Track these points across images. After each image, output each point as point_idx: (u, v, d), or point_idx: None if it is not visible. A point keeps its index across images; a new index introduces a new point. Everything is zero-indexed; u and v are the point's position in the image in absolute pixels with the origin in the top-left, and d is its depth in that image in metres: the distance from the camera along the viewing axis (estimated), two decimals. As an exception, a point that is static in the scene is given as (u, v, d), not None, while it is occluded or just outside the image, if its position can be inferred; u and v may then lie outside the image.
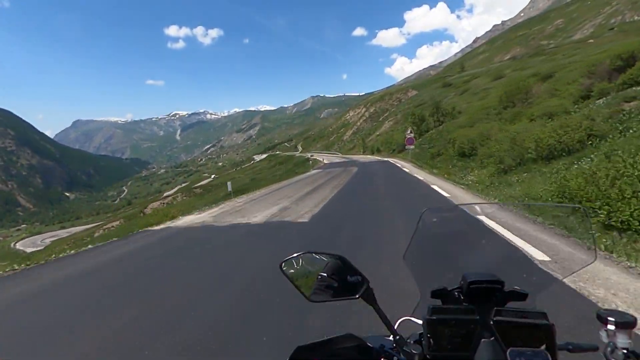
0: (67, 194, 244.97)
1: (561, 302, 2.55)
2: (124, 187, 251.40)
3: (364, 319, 2.62)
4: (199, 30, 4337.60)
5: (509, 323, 0.73)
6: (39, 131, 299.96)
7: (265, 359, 2.40)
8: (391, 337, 0.79)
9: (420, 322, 0.78)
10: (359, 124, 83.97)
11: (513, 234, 4.55)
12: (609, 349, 0.69)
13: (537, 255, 3.59)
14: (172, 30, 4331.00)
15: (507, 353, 0.65)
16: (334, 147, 78.47)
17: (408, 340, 0.78)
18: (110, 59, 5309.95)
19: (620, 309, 0.68)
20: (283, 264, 0.84)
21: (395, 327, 0.83)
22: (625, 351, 0.68)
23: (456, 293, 0.84)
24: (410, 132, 24.00)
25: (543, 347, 0.70)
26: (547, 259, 3.44)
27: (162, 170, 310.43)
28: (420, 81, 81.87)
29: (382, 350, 0.76)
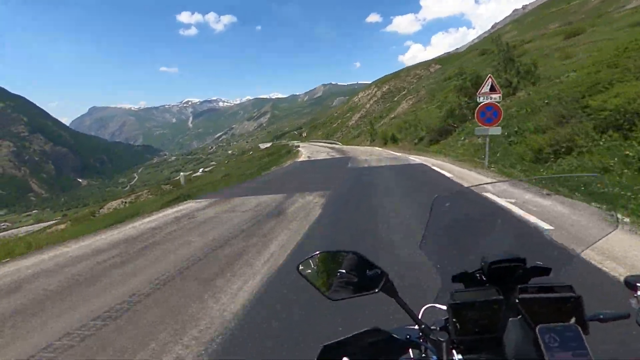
0: (80, 181, 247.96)
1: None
2: (134, 174, 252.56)
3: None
4: (211, 16, 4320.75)
5: (535, 299, 0.71)
6: (53, 117, 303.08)
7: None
8: (416, 327, 0.78)
9: (444, 308, 0.77)
10: (367, 106, 68.95)
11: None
12: (639, 314, 0.67)
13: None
14: (184, 17, 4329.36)
15: (537, 330, 0.63)
16: (335, 135, 65.60)
17: (433, 328, 0.78)
18: (125, 46, 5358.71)
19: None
20: (300, 266, 0.83)
21: (420, 315, 0.83)
22: None
23: (477, 275, 0.83)
24: (493, 87, 10.37)
25: (572, 320, 0.69)
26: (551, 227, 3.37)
27: (173, 158, 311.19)
28: (444, 56, 68.89)
29: (409, 341, 0.76)
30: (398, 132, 27.39)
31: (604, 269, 2.95)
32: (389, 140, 27.89)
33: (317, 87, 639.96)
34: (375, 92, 73.29)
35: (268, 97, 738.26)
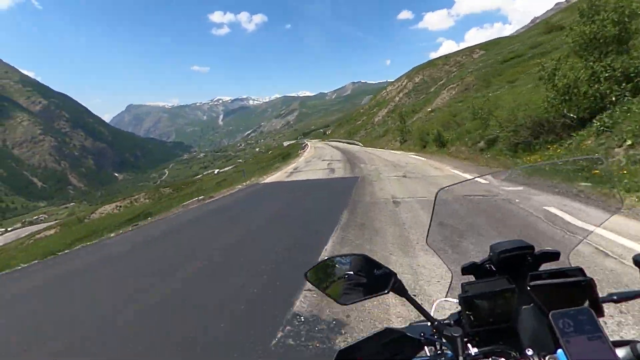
0: (117, 175, 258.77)
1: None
2: (165, 170, 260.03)
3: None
4: (243, 16, 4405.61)
5: (546, 286, 0.71)
6: (93, 114, 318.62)
7: None
8: (429, 324, 0.77)
9: (456, 301, 0.77)
10: (397, 99, 58.70)
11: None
12: None
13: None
14: (217, 17, 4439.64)
15: (550, 316, 0.63)
16: (358, 134, 57.72)
17: (448, 322, 0.78)
18: (160, 46, 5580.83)
19: None
20: (308, 273, 0.83)
21: (433, 310, 0.82)
22: None
23: (487, 266, 0.83)
24: None
25: (586, 303, 0.69)
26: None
27: (202, 155, 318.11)
28: (490, 41, 54.44)
29: (423, 338, 0.75)
30: (448, 130, 17.82)
31: None
32: (430, 142, 18.72)
33: (346, 85, 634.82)
34: (406, 83, 61.98)
35: (296, 95, 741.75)
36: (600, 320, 0.62)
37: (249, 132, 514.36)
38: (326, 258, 0.83)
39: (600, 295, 0.71)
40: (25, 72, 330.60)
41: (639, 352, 0.58)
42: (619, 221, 4.26)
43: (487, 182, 1.38)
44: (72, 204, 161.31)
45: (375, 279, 0.78)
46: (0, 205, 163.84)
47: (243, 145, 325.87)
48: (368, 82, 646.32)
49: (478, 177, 1.34)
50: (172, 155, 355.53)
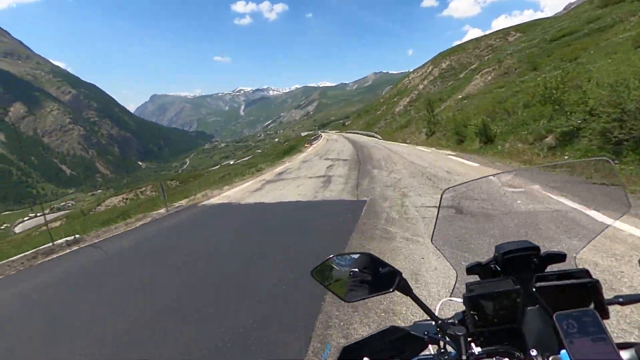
0: (140, 163, 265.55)
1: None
2: (187, 159, 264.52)
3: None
4: (265, 5, 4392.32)
5: (552, 287, 0.71)
6: (119, 104, 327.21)
7: None
8: (434, 323, 0.78)
9: (460, 300, 0.77)
10: (420, 87, 53.82)
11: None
12: None
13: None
14: (239, 7, 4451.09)
15: (554, 318, 0.63)
16: (378, 125, 53.85)
17: (452, 321, 0.78)
18: (183, 36, 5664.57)
19: None
20: (313, 272, 0.83)
21: (437, 309, 0.83)
22: None
23: (492, 266, 0.83)
24: None
25: (591, 305, 0.69)
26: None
27: (223, 145, 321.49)
28: (527, 23, 48.73)
29: (427, 337, 0.76)
30: (490, 120, 13.34)
31: None
32: (470, 136, 14.40)
33: (367, 76, 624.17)
34: (431, 70, 56.34)
35: (317, 85, 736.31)
36: (606, 322, 0.62)
37: (268, 122, 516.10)
38: (331, 256, 0.84)
39: (606, 297, 0.71)
40: (56, 63, 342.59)
41: None
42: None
43: (492, 182, 1.38)
44: (99, 190, 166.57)
45: (380, 277, 0.79)
46: (31, 192, 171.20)
47: (262, 135, 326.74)
48: (390, 72, 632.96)
49: (483, 177, 1.30)
50: (194, 145, 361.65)
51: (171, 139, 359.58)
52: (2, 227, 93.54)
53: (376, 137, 36.39)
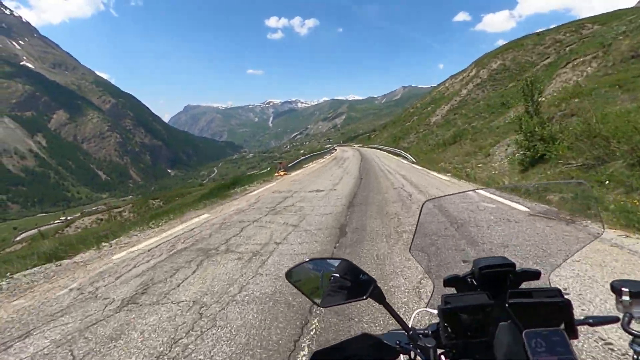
0: (169, 171, 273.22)
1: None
2: (214, 168, 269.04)
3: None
4: (296, 20, 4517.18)
5: (524, 304, 0.72)
6: (153, 113, 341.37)
7: None
8: (406, 333, 0.78)
9: (436, 312, 0.78)
10: (464, 92, 43.63)
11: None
12: (626, 319, 0.68)
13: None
14: (272, 22, 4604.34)
15: (523, 335, 0.64)
16: (407, 139, 44.22)
17: (425, 332, 0.78)
18: (219, 50, 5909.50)
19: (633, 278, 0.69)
20: (289, 273, 0.83)
21: (412, 319, 0.84)
22: None
23: (469, 279, 0.84)
24: None
25: (562, 324, 0.70)
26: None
27: (251, 155, 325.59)
28: (602, 14, 37.12)
29: (399, 346, 0.76)
30: None
31: None
32: None
33: (396, 90, 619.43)
34: (476, 72, 46.38)
35: (345, 98, 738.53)
36: (574, 342, 0.63)
37: (295, 134, 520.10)
38: (307, 259, 0.83)
39: (576, 317, 0.72)
40: (100, 74, 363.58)
41: None
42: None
43: (472, 197, 1.42)
44: (130, 196, 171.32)
45: (355, 284, 0.79)
46: (66, 195, 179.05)
47: (288, 147, 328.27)
48: (419, 86, 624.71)
49: (462, 192, 1.37)
50: (223, 154, 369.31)
51: (200, 148, 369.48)
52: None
53: (407, 158, 23.69)
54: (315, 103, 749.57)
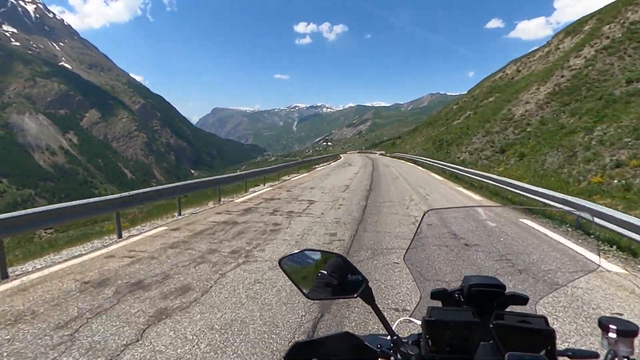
0: (192, 172, 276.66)
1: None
2: (237, 170, 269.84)
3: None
4: (325, 26, 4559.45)
5: (509, 327, 0.72)
6: (180, 114, 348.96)
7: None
8: (389, 337, 0.77)
9: (419, 322, 0.78)
10: (578, 62, 24.69)
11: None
12: (609, 356, 0.68)
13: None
14: (301, 27, 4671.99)
15: (506, 357, 0.63)
16: (461, 148, 26.41)
17: (406, 341, 0.78)
18: (248, 54, 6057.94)
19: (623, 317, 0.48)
20: (282, 261, 0.82)
21: (394, 326, 0.84)
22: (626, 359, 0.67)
23: (457, 295, 0.83)
24: None
25: (542, 352, 0.70)
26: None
27: (273, 159, 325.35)
28: None
29: (379, 350, 0.75)
30: None
31: None
32: None
33: (423, 97, 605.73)
34: (596, 30, 27.76)
35: (371, 104, 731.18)
36: None
37: (319, 139, 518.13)
38: (303, 249, 0.83)
39: (558, 348, 0.72)
40: (135, 77, 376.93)
41: None
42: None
43: (476, 212, 1.45)
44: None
45: (347, 282, 0.78)
46: (93, 192, 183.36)
47: (311, 151, 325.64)
48: (447, 93, 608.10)
49: (468, 206, 1.38)
50: (246, 157, 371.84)
51: (225, 150, 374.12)
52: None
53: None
54: (341, 108, 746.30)
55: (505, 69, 46.23)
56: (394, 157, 38.93)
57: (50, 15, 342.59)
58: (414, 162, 27.61)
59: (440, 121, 48.86)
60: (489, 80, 50.39)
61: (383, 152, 65.81)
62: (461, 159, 23.27)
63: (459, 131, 31.86)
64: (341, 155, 48.85)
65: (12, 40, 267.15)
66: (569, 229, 5.96)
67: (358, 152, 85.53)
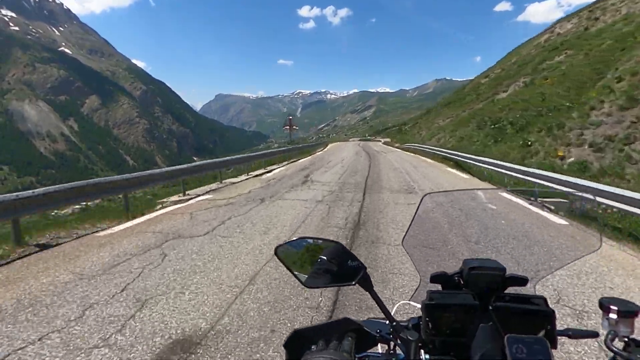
0: (195, 159, 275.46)
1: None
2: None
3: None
4: (329, 10, 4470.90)
5: (508, 309, 0.73)
6: (182, 101, 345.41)
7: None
8: (388, 322, 0.78)
9: (419, 306, 0.78)
10: None
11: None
12: (609, 336, 0.68)
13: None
14: (304, 11, 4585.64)
15: (505, 339, 0.64)
16: (504, 137, 17.96)
17: (406, 325, 0.78)
18: (252, 39, 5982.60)
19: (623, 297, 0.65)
20: (278, 249, 0.82)
21: (394, 310, 0.84)
22: (626, 339, 0.68)
23: (456, 278, 0.83)
24: None
25: (542, 333, 0.71)
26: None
27: (275, 145, 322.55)
28: None
29: (379, 335, 0.75)
30: None
31: None
32: None
33: (428, 83, 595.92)
34: None
35: (375, 90, 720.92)
36: (553, 352, 0.64)
37: (322, 125, 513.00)
38: (299, 237, 0.83)
39: (557, 328, 0.73)
40: (136, 62, 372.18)
41: None
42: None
43: (476, 195, 1.43)
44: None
45: (345, 269, 0.78)
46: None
47: (314, 138, 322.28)
48: (453, 79, 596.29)
49: (467, 189, 1.40)
50: (249, 144, 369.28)
51: (227, 137, 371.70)
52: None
53: None
54: (345, 95, 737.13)
55: (555, 27, 36.85)
56: (408, 151, 27.16)
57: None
58: (458, 161, 15.16)
59: (470, 96, 36.49)
60: (531, 43, 39.53)
61: (388, 139, 52.62)
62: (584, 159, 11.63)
63: (528, 106, 19.67)
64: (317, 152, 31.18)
65: (11, 24, 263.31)
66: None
67: (359, 140, 68.42)
